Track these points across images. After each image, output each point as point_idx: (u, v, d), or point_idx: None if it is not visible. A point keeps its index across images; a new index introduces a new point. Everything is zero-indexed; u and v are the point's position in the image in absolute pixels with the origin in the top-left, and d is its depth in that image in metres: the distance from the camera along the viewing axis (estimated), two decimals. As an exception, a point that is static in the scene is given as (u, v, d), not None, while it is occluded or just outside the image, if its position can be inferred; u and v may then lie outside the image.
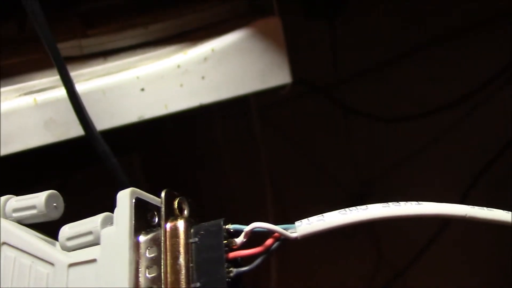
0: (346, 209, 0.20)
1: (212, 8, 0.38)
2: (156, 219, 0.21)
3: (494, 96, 0.66)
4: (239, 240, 0.20)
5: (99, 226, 0.21)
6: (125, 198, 0.21)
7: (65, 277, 0.21)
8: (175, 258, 0.20)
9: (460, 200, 0.63)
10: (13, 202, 0.24)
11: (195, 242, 0.20)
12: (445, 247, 0.66)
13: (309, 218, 0.20)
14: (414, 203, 0.20)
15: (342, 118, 0.68)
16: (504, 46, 0.63)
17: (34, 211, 0.23)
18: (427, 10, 0.65)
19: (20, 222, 0.23)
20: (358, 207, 0.20)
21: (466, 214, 0.20)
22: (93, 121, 0.31)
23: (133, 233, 0.20)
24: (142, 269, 0.20)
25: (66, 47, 0.35)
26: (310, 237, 0.20)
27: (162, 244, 0.20)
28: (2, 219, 0.23)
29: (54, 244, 0.23)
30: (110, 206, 0.22)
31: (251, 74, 0.35)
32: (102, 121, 0.33)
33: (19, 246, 0.22)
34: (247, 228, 0.20)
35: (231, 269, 0.20)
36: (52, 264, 0.21)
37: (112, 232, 0.21)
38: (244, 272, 0.20)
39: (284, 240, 0.20)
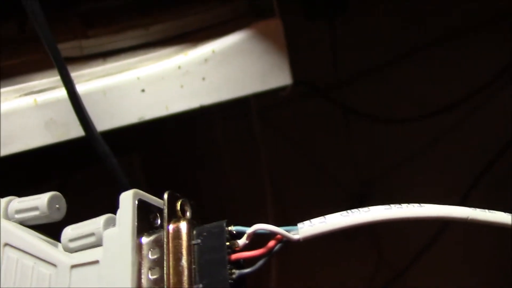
0: (348, 211, 0.20)
1: (213, 9, 0.38)
2: (159, 221, 0.22)
3: (494, 96, 0.66)
4: (242, 241, 0.20)
5: (101, 227, 0.21)
6: (128, 199, 0.21)
7: (67, 278, 0.21)
8: (178, 259, 0.20)
9: (461, 201, 0.63)
10: (16, 203, 0.24)
11: (197, 244, 0.20)
12: (445, 248, 0.66)
13: (311, 220, 0.20)
14: (416, 205, 0.20)
15: (342, 118, 0.68)
16: (504, 47, 0.63)
17: (36, 213, 0.23)
18: (427, 10, 0.65)
19: (23, 223, 0.23)
20: (360, 209, 0.20)
21: (468, 217, 0.20)
22: (93, 122, 0.31)
23: (135, 234, 0.20)
24: (144, 270, 0.20)
25: (66, 48, 0.35)
26: (312, 239, 0.20)
27: (164, 245, 0.20)
28: (4, 220, 0.23)
29: (56, 246, 0.23)
30: (110, 206, 0.22)
31: (251, 76, 0.35)
32: (103, 122, 0.33)
33: (22, 247, 0.22)
34: (249, 230, 0.20)
35: (233, 270, 0.20)
36: (54, 265, 0.21)
37: (114, 234, 0.21)
38: (247, 273, 0.20)
39: (286, 242, 0.20)
